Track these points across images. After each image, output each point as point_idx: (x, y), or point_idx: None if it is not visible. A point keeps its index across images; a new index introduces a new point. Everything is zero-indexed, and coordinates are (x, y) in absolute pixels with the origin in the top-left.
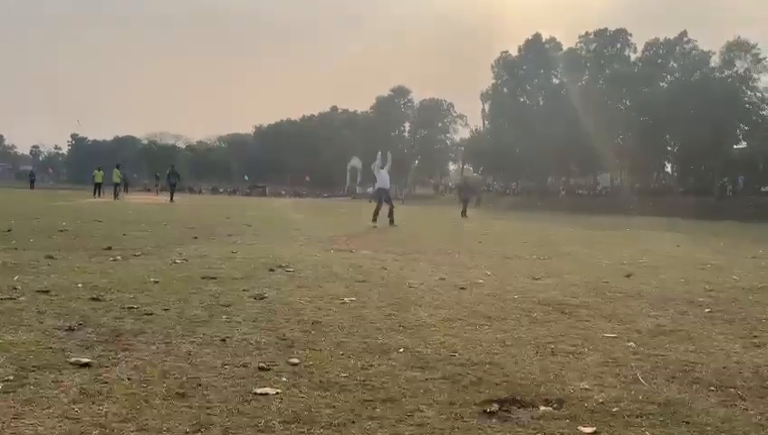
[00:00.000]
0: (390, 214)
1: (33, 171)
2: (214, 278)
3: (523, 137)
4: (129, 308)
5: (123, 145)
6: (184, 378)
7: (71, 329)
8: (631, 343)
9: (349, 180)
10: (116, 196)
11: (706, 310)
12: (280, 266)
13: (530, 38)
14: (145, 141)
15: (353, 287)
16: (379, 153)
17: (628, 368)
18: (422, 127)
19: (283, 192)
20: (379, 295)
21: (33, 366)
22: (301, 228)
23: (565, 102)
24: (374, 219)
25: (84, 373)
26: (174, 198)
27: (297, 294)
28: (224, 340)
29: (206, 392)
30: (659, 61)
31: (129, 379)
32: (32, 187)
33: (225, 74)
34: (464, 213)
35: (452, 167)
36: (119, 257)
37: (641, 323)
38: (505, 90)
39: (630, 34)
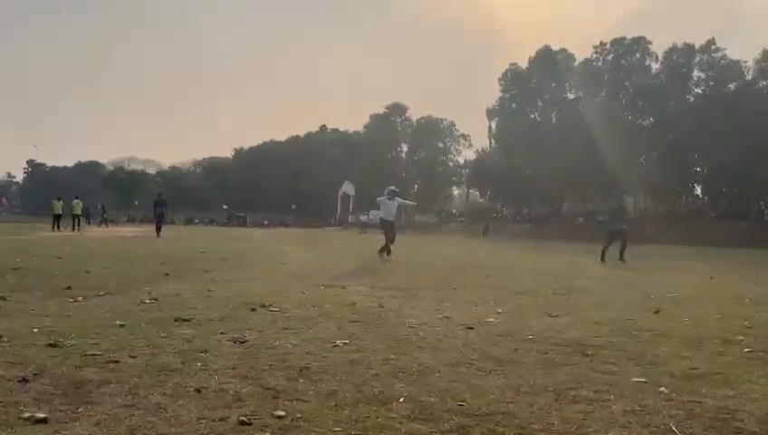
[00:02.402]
0: (387, 246)
1: None
2: (187, 320)
3: (534, 157)
4: (92, 355)
5: (85, 171)
6: (153, 434)
7: (24, 380)
8: (662, 389)
9: (340, 208)
10: (75, 228)
11: (746, 350)
12: (263, 305)
13: (540, 49)
14: (110, 167)
15: (346, 328)
16: (391, 189)
17: (660, 416)
18: (421, 148)
19: (266, 222)
20: (375, 337)
21: None
22: (286, 262)
23: (581, 119)
24: (388, 252)
25: (40, 430)
26: (157, 230)
27: (282, 337)
28: (199, 390)
29: None
30: (683, 71)
31: None
32: None
33: (200, 93)
34: (605, 254)
35: (456, 191)
36: (80, 298)
37: (673, 366)
38: (514, 105)
39: (650, 42)
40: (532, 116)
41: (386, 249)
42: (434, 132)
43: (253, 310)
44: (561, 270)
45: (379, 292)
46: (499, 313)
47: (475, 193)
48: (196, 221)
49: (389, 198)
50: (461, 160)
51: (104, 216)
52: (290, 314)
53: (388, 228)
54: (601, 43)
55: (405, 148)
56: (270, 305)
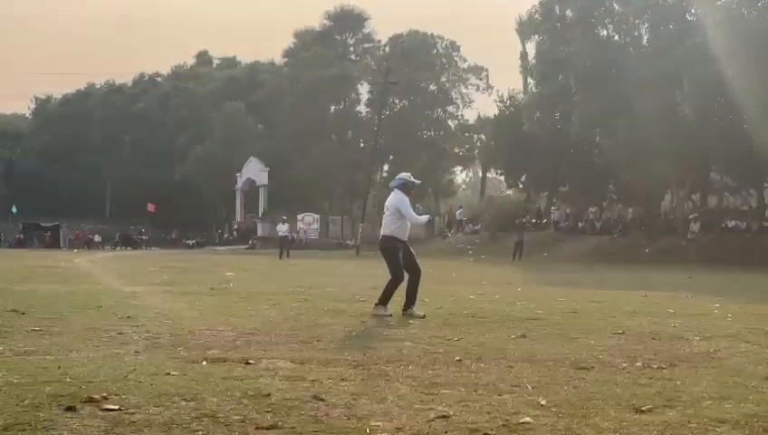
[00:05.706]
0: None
1: None
2: None
3: (611, 110)
4: None
5: None
6: None
7: None
8: None
9: (240, 211)
10: None
11: None
12: (90, 400)
13: None
14: None
15: None
16: (404, 179)
17: None
18: (396, 92)
19: (98, 237)
20: None
21: None
22: (137, 315)
23: (695, 44)
24: (408, 303)
25: None
26: None
27: None
28: None
29: None
30: None
31: None
32: None
33: None
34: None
35: (462, 176)
36: None
37: None
38: (571, 13)
39: None
40: (603, 33)
41: (388, 296)
42: (420, 62)
43: (70, 409)
44: (662, 322)
45: (318, 370)
46: (542, 405)
47: (497, 180)
48: None
49: (398, 194)
50: (470, 118)
51: None
52: (140, 417)
53: (395, 255)
54: None
55: (363, 91)
56: (103, 400)
